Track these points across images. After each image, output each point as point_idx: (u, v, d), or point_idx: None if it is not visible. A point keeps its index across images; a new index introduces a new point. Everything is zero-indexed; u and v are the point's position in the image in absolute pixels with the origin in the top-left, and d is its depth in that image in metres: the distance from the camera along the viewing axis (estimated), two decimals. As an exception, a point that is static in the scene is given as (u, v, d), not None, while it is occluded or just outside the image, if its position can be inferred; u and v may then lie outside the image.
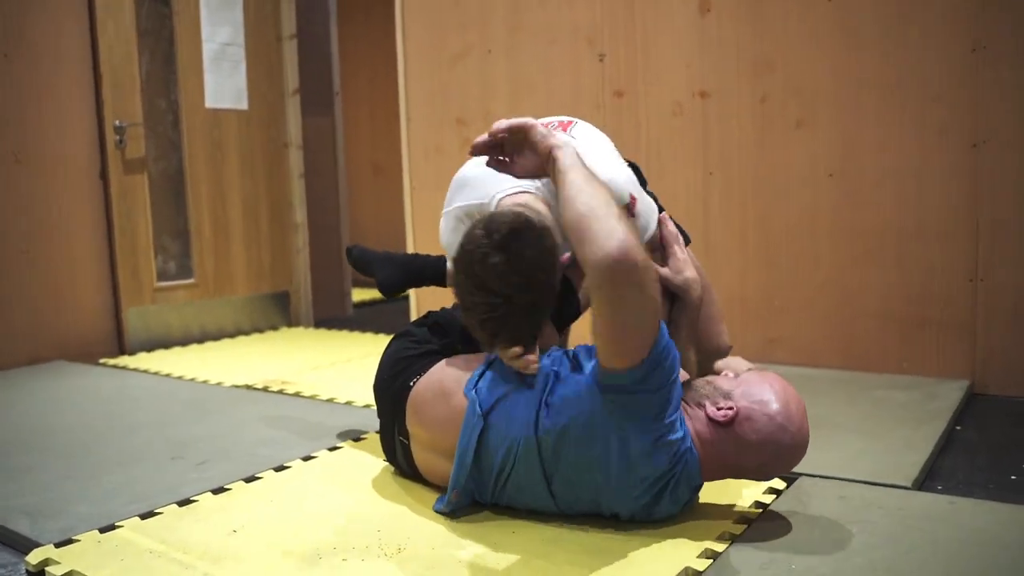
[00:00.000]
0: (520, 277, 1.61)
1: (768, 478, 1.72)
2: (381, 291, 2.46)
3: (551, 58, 3.53)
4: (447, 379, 1.86)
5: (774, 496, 1.85)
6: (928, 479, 2.00)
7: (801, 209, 3.03)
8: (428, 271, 2.42)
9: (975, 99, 2.69)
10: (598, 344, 1.59)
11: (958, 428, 2.39)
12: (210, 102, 4.13)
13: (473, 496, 1.80)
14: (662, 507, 1.67)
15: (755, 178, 3.10)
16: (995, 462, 2.11)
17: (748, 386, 1.67)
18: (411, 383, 1.91)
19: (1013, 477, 2.00)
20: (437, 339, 2.04)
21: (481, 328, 1.68)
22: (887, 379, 2.81)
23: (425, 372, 1.91)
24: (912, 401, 2.55)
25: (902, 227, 2.85)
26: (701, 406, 1.68)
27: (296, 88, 4.51)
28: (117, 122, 3.76)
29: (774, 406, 1.62)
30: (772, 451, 1.62)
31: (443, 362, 1.92)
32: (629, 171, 1.96)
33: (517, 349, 1.68)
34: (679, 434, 1.61)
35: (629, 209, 1.79)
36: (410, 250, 4.04)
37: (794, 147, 3.02)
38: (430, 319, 2.14)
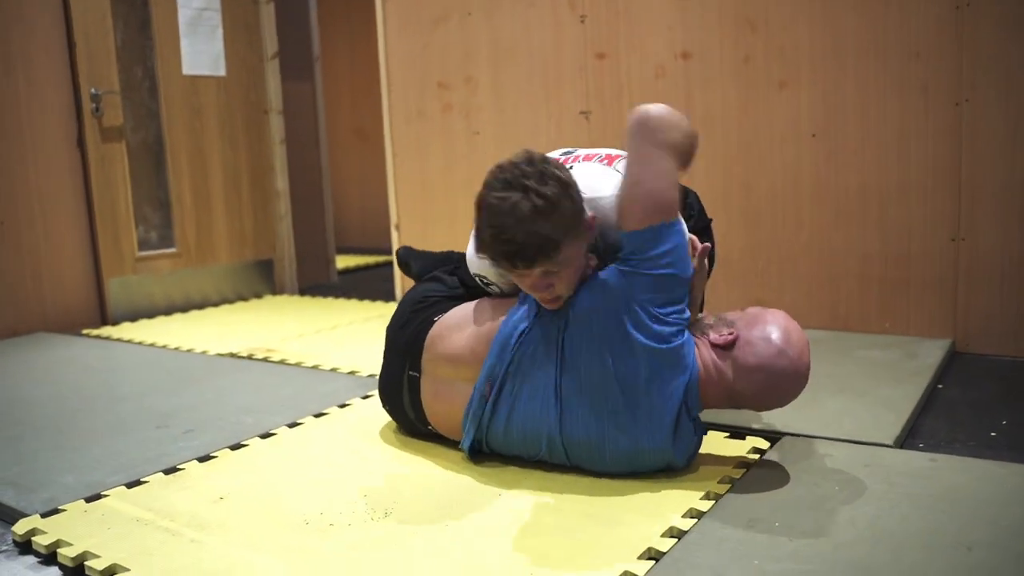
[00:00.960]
0: (549, 188, 1.61)
1: (765, 408, 1.76)
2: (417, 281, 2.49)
3: (531, 20, 3.49)
4: (477, 309, 1.91)
5: (758, 455, 1.87)
6: (910, 437, 2.03)
7: (784, 170, 3.02)
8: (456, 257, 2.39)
9: (958, 57, 2.69)
10: (621, 208, 1.70)
11: (940, 387, 2.42)
12: (187, 69, 4.06)
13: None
14: (682, 435, 1.70)
15: (738, 139, 3.09)
16: (976, 420, 2.13)
17: (752, 317, 1.74)
18: (435, 318, 1.94)
19: (993, 434, 2.03)
20: (465, 289, 2.06)
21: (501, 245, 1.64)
22: (870, 339, 2.83)
23: (442, 318, 1.95)
24: (894, 360, 2.57)
25: (884, 187, 2.86)
26: (705, 335, 1.74)
27: (275, 53, 4.44)
28: (93, 90, 3.70)
29: (774, 333, 1.68)
30: (769, 377, 1.67)
31: (471, 302, 1.96)
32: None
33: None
34: (683, 340, 1.68)
35: (587, 223, 1.75)
36: (392, 215, 4.02)
37: (777, 108, 3.01)
38: (460, 271, 2.13)
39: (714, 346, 1.72)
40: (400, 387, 2.00)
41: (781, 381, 1.68)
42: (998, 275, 2.71)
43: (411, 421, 2.03)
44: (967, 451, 1.92)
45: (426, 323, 1.96)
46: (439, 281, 2.12)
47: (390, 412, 2.10)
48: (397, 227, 4.01)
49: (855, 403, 2.18)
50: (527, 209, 1.60)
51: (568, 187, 1.66)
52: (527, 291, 1.76)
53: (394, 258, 2.86)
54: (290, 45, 4.63)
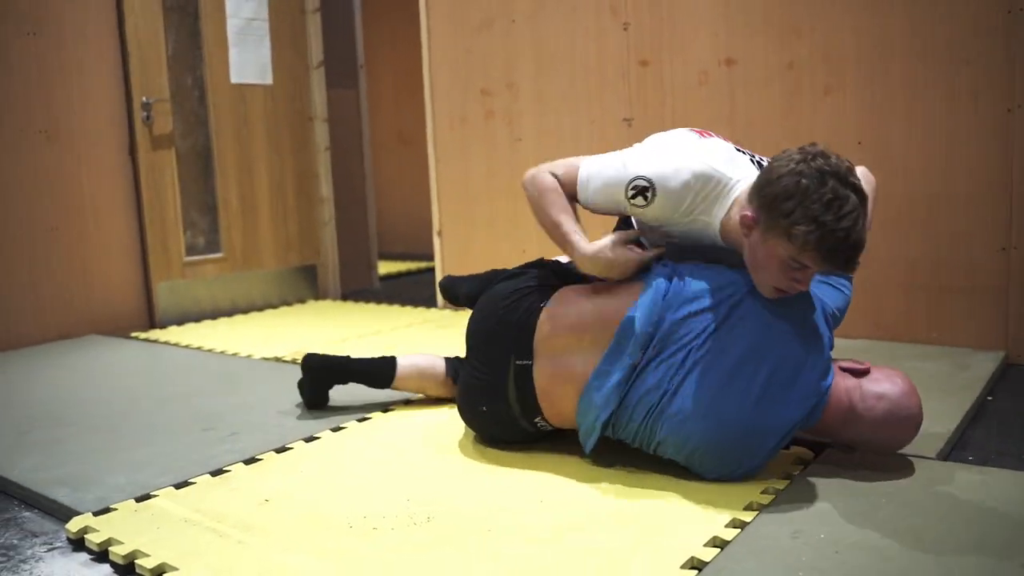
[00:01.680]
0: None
1: (875, 445, 1.81)
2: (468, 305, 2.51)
3: (575, 27, 3.49)
4: (592, 286, 1.94)
5: (801, 467, 1.85)
6: (958, 449, 1.99)
7: (830, 177, 2.98)
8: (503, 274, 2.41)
9: (1009, 62, 2.64)
10: None
11: (990, 398, 2.37)
12: (235, 77, 4.14)
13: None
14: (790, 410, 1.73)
15: (782, 147, 3.04)
16: (1027, 432, 2.09)
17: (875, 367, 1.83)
18: (540, 305, 1.94)
19: (1045, 447, 1.99)
20: (557, 279, 2.06)
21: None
22: (918, 349, 2.79)
23: (551, 299, 1.96)
24: (944, 371, 2.52)
25: (932, 194, 2.81)
26: (836, 361, 1.83)
27: (321, 61, 4.50)
28: (144, 98, 3.79)
29: (900, 379, 1.80)
30: (892, 412, 1.75)
31: (577, 285, 1.99)
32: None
33: None
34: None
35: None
36: (434, 221, 4.05)
37: (822, 114, 2.98)
38: (548, 265, 2.14)
39: (845, 371, 1.80)
40: (502, 383, 1.93)
41: (902, 418, 1.76)
42: (1051, 284, 2.65)
43: (513, 419, 1.95)
44: (1018, 464, 1.88)
45: (533, 309, 1.93)
46: (527, 275, 2.06)
47: (473, 420, 2.04)
48: (439, 233, 4.04)
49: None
50: (862, 215, 1.62)
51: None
52: (782, 277, 1.70)
53: (437, 290, 2.91)
54: (335, 53, 4.69)
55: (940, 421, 2.08)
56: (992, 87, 2.68)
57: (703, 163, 1.80)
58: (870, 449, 1.84)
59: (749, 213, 1.70)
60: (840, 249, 1.61)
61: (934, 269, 2.83)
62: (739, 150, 1.91)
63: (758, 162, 1.91)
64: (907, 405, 1.76)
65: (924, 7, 2.75)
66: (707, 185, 1.80)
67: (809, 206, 1.59)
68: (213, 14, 4.03)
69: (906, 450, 1.90)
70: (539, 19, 3.59)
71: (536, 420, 1.94)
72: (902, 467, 1.81)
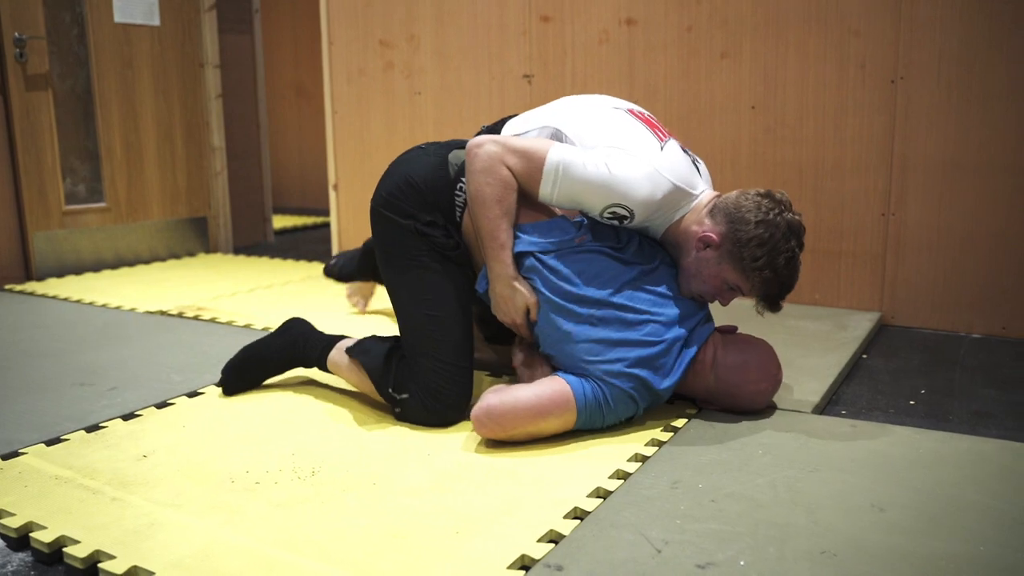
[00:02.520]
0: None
1: (736, 401, 1.91)
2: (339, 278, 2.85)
3: (478, -20, 3.44)
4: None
5: (685, 420, 1.89)
6: (833, 404, 2.08)
7: (723, 140, 3.05)
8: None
9: (895, 36, 2.73)
10: None
11: (865, 357, 2.48)
12: (119, 16, 3.92)
13: None
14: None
15: (679, 108, 3.10)
16: (896, 388, 2.20)
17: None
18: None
19: (912, 402, 2.09)
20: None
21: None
22: (803, 310, 2.89)
23: None
24: (824, 331, 2.62)
25: (820, 160, 2.90)
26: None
27: (212, 4, 4.31)
28: (16, 34, 3.55)
29: (764, 347, 1.93)
30: (751, 368, 1.89)
31: None
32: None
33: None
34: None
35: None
36: (330, 175, 3.96)
37: (718, 78, 3.03)
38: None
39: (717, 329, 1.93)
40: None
41: (755, 380, 1.88)
42: (925, 250, 2.78)
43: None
44: (886, 418, 1.97)
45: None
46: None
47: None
48: (335, 187, 3.95)
49: (783, 371, 2.22)
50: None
51: None
52: (714, 292, 1.87)
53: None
54: (229, -4, 4.50)
55: (817, 378, 2.16)
56: (878, 59, 2.76)
57: (677, 182, 1.83)
58: (723, 406, 1.92)
59: (714, 236, 1.81)
60: (780, 294, 1.83)
61: (819, 233, 2.93)
62: (684, 150, 1.94)
63: (693, 159, 1.97)
64: (765, 368, 1.89)
65: (817, -24, 2.81)
66: (675, 202, 1.86)
67: (775, 258, 1.77)
68: (95, -52, 3.80)
69: (784, 405, 1.97)
70: (441, -30, 3.52)
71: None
72: (780, 421, 1.88)
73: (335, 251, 4.03)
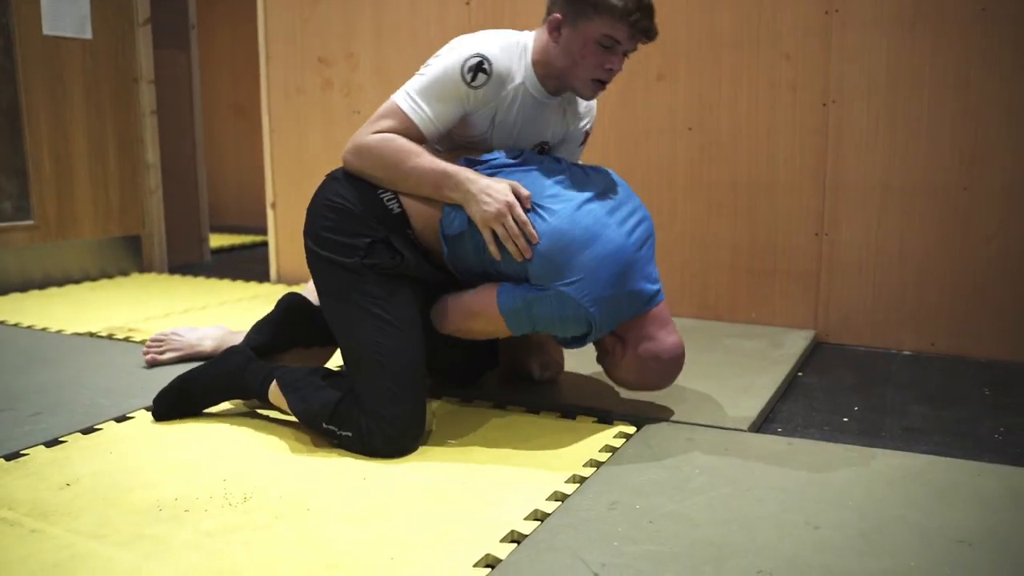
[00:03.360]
0: None
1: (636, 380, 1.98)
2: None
3: (416, 0, 3.43)
4: None
5: (623, 440, 1.89)
6: (769, 422, 2.10)
7: (660, 161, 3.08)
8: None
9: (826, 59, 2.79)
10: None
11: (800, 375, 2.52)
12: (48, 29, 3.82)
13: None
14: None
15: (617, 129, 3.13)
16: (831, 405, 2.23)
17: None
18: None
19: (845, 419, 2.12)
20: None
21: None
22: (739, 328, 2.93)
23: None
24: (760, 349, 2.66)
25: (754, 181, 2.95)
26: None
27: (147, 18, 4.23)
28: (-60, 46, 3.44)
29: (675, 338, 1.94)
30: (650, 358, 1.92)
31: None
32: None
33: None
34: None
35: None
36: (268, 194, 3.90)
37: (655, 100, 3.06)
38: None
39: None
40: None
41: (663, 361, 1.92)
42: (856, 270, 2.84)
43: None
44: (821, 435, 2.00)
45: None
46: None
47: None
48: (273, 206, 3.90)
49: (719, 389, 2.25)
50: None
51: None
52: (595, 66, 1.87)
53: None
54: (164, 11, 4.41)
55: (753, 396, 2.19)
56: (809, 81, 2.83)
57: (494, 32, 1.96)
58: (620, 381, 1.99)
59: (556, 15, 1.89)
60: (640, 7, 1.81)
61: (755, 253, 2.97)
62: None
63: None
64: (672, 352, 1.92)
65: (750, 2, 2.87)
66: (516, 44, 1.95)
67: None
68: (24, -40, 3.70)
69: (720, 423, 1.98)
70: (380, -12, 3.51)
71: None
72: (717, 440, 1.89)
73: (273, 270, 3.96)
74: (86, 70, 3.99)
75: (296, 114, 3.78)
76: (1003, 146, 2.61)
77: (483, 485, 1.65)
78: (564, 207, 1.79)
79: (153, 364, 2.47)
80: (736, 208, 2.98)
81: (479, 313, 1.89)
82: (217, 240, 5.29)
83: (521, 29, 2.59)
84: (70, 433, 1.95)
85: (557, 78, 1.95)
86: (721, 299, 3.05)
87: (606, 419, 2.02)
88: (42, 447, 1.86)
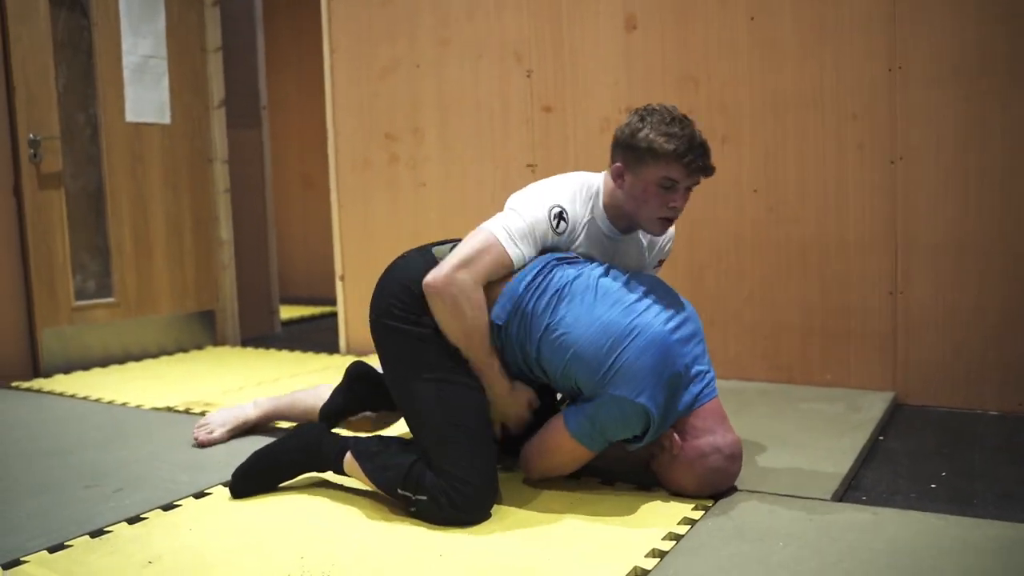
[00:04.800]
0: None
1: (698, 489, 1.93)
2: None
3: (479, 73, 3.52)
4: None
5: (702, 512, 1.85)
6: (852, 490, 2.03)
7: (727, 223, 3.06)
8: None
9: (892, 116, 2.77)
10: None
11: (881, 439, 2.44)
12: (131, 116, 4.01)
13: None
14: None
15: (682, 193, 3.12)
16: (916, 471, 2.15)
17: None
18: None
19: (933, 486, 2.04)
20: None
21: None
22: (813, 391, 2.86)
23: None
24: (837, 413, 2.59)
25: (824, 241, 2.91)
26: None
27: (221, 101, 4.41)
28: (32, 135, 3.63)
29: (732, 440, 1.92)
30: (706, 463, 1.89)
31: None
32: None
33: None
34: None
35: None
36: (337, 266, 3.98)
37: (720, 163, 3.02)
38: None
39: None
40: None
41: (717, 469, 1.90)
42: (934, 328, 2.76)
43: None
44: (908, 503, 1.93)
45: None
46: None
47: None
48: (342, 278, 3.97)
49: (798, 456, 2.19)
50: (696, 127, 2.00)
51: None
52: (659, 206, 1.97)
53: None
54: (237, 93, 4.61)
55: (834, 462, 2.12)
56: (876, 140, 2.80)
57: (564, 179, 2.13)
58: (675, 483, 1.94)
59: (617, 164, 2.01)
60: (692, 148, 1.93)
61: (827, 313, 2.92)
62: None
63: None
64: (732, 447, 1.90)
65: (813, 62, 2.87)
66: (582, 189, 2.09)
67: (656, 126, 1.94)
68: (108, 51, 3.91)
69: (802, 492, 1.93)
70: (443, 64, 3.60)
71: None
72: (799, 509, 1.83)
73: (342, 341, 4.02)
74: (164, 152, 4.17)
75: (363, 187, 3.87)
76: (1084, 198, 2.54)
77: (559, 564, 1.62)
78: (608, 312, 1.85)
79: (206, 445, 2.51)
80: (806, 267, 2.94)
81: (556, 448, 1.94)
82: (287, 312, 5.40)
83: (577, 101, 2.67)
84: (151, 509, 1.98)
85: (627, 218, 2.07)
86: (794, 361, 2.98)
87: (683, 490, 1.98)
88: (125, 524, 1.90)
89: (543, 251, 2.04)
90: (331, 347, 4.14)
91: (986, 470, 2.14)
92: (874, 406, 2.64)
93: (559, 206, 2.03)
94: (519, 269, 1.97)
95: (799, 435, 2.37)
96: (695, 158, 1.93)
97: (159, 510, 1.98)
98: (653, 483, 2.02)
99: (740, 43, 2.99)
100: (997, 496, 1.96)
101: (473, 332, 1.90)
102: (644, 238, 2.19)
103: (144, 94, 4.06)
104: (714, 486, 1.91)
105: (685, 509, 1.86)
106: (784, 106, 2.93)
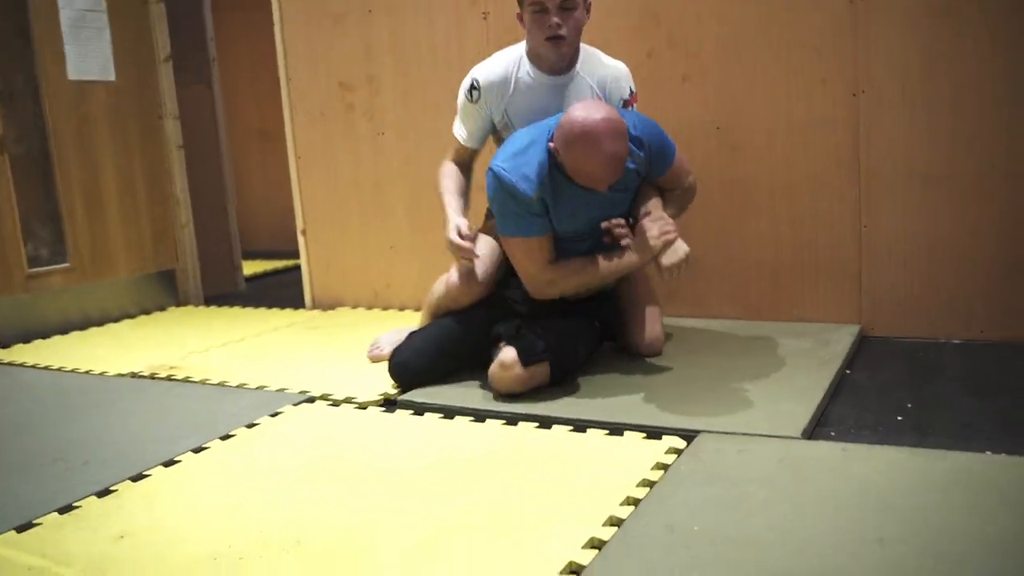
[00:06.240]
0: None
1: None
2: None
3: (433, 16, 3.42)
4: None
5: (675, 455, 1.86)
6: (821, 426, 2.05)
7: (692, 162, 3.03)
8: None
9: (855, 49, 2.74)
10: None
11: (848, 372, 2.47)
12: (73, 74, 3.86)
13: None
14: None
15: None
16: (882, 404, 2.18)
17: None
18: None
19: (899, 418, 2.07)
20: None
21: None
22: (782, 327, 2.87)
23: None
24: (806, 349, 2.61)
25: (789, 177, 2.90)
26: None
27: (168, 55, 4.26)
28: (-31, 99, 3.49)
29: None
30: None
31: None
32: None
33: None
34: None
35: (633, 97, 2.60)
36: (298, 220, 3.91)
37: (682, 101, 3.02)
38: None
39: None
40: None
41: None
42: (900, 260, 2.78)
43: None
44: (876, 437, 1.95)
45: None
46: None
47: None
48: (304, 232, 3.91)
49: (768, 394, 2.20)
50: None
51: None
52: (540, 29, 2.41)
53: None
54: (185, 46, 4.45)
55: (803, 400, 2.14)
56: (839, 73, 2.77)
57: (499, 52, 2.64)
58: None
59: (517, 12, 2.50)
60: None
61: (794, 249, 2.92)
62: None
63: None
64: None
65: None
66: (506, 52, 2.59)
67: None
68: (42, 5, 3.74)
69: (773, 432, 1.94)
70: (396, 10, 3.50)
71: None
72: (771, 450, 1.85)
73: (307, 296, 3.97)
74: (111, 111, 4.03)
75: (321, 139, 3.78)
76: (1043, 125, 2.54)
77: (536, 513, 1.63)
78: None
79: (376, 360, 2.80)
80: (773, 205, 2.93)
81: (512, 257, 2.45)
82: (251, 267, 5.32)
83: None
84: (120, 481, 1.95)
85: (537, 56, 2.46)
86: (762, 298, 2.99)
87: (655, 434, 1.99)
88: (94, 498, 1.87)
89: (484, 118, 2.59)
90: (296, 301, 4.08)
91: (948, 401, 2.17)
92: (841, 340, 2.66)
93: (471, 78, 2.57)
94: (470, 142, 2.63)
95: (768, 372, 2.39)
96: None
97: (128, 481, 1.95)
98: (624, 428, 2.03)
99: (698, -23, 2.93)
100: (958, 427, 1.99)
101: (437, 194, 2.60)
102: (590, 79, 2.52)
103: (85, 50, 3.91)
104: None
105: (658, 453, 1.87)
106: (745, 43, 2.89)
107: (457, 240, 2.39)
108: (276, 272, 5.36)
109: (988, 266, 2.67)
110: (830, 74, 2.78)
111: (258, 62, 6.17)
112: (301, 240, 3.92)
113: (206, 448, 2.14)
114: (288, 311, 3.92)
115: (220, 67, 4.83)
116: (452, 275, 2.50)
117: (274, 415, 2.36)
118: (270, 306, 4.09)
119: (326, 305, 3.89)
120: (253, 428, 2.28)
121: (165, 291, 4.31)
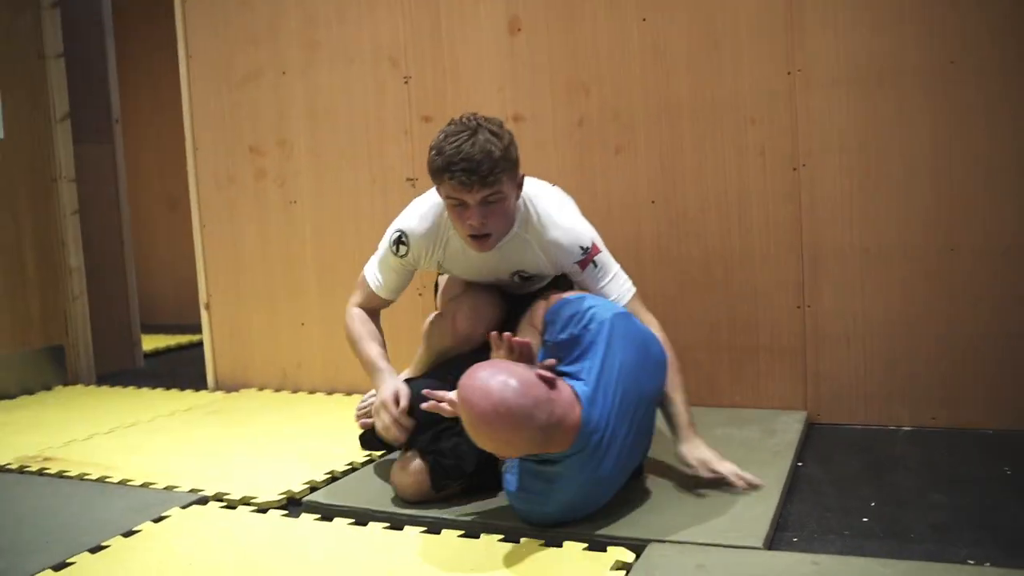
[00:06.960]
0: None
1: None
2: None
3: (351, 79, 3.22)
4: None
5: (623, 572, 1.62)
6: (780, 530, 1.85)
7: (625, 237, 2.86)
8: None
9: (794, 121, 2.63)
10: None
11: (800, 464, 2.28)
12: (-46, 130, 3.53)
13: None
14: None
15: (576, 205, 2.91)
16: (844, 502, 1.99)
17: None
18: None
19: (865, 519, 1.88)
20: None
21: None
22: (724, 414, 2.68)
23: None
24: (751, 438, 2.42)
25: (727, 254, 2.75)
26: None
27: (66, 113, 3.96)
28: None
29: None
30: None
31: None
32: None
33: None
34: None
35: (589, 254, 2.12)
36: (201, 293, 3.60)
37: (615, 173, 2.87)
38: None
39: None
40: None
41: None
42: (844, 342, 2.63)
43: None
44: (844, 545, 1.75)
45: None
46: None
47: None
48: (207, 306, 3.60)
49: (719, 494, 1.98)
50: (484, 135, 1.86)
51: (512, 137, 1.94)
52: (461, 224, 1.93)
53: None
54: (86, 105, 4.14)
55: (759, 499, 1.93)
56: (778, 146, 2.66)
57: (422, 200, 2.16)
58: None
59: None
60: (453, 163, 1.84)
61: (733, 330, 2.76)
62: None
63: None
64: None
65: (709, 67, 2.71)
66: (435, 206, 2.08)
67: (438, 140, 1.90)
68: (-77, 58, 3.42)
69: (732, 542, 1.72)
70: (312, 70, 3.29)
71: None
72: (731, 562, 1.62)
73: (210, 376, 3.63)
74: (-1, 171, 3.69)
75: (229, 206, 3.51)
76: (984, 204, 2.45)
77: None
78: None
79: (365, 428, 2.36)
80: (709, 283, 2.77)
81: None
82: (151, 342, 4.93)
83: (460, 109, 2.43)
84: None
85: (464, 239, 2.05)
86: (701, 383, 2.80)
87: (598, 545, 1.74)
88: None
89: (406, 275, 2.21)
90: (198, 382, 3.73)
91: (913, 497, 2.00)
92: (789, 428, 2.48)
93: (399, 231, 2.13)
94: (386, 293, 2.21)
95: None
96: (455, 172, 1.84)
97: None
98: (562, 538, 1.78)
99: (631, 46, 2.81)
100: (931, 528, 1.81)
101: (352, 344, 2.19)
102: (535, 242, 2.10)
103: (-29, 106, 3.59)
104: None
105: (602, 569, 1.63)
106: (679, 113, 2.76)
107: (394, 412, 1.97)
108: (180, 348, 4.98)
109: (937, 348, 2.54)
110: (769, 146, 2.67)
111: (166, 123, 5.87)
112: (204, 315, 3.61)
113: (70, 564, 1.80)
114: (188, 392, 3.58)
115: (124, 127, 4.54)
116: (457, 322, 2.14)
117: (157, 520, 2.04)
118: (169, 387, 3.74)
119: (230, 386, 3.56)
120: (131, 537, 1.95)
121: (52, 369, 3.92)
